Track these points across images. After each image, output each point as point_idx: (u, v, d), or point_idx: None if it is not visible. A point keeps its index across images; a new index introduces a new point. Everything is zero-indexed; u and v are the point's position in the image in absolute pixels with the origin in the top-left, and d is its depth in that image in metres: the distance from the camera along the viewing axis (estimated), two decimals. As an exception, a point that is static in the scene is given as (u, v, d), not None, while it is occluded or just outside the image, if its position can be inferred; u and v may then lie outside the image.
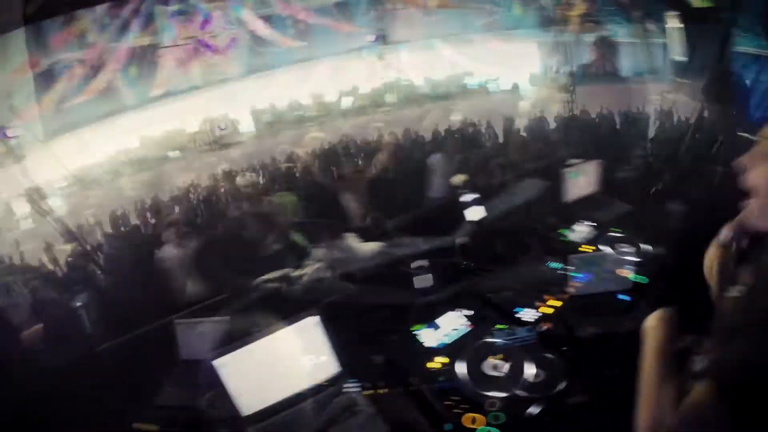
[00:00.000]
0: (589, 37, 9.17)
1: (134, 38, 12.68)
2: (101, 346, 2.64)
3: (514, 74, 12.87)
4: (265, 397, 1.88)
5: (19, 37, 11.19)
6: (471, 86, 12.38)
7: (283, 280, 2.59)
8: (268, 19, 15.33)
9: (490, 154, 5.87)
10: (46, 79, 12.60)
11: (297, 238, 5.04)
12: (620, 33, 8.98)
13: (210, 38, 13.02)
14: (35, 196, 10.14)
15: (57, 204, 9.92)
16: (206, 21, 12.84)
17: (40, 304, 4.00)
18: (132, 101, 15.00)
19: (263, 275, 2.63)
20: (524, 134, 6.80)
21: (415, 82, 13.53)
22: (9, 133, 11.00)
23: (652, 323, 1.15)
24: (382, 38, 14.96)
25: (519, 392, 1.68)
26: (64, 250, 5.53)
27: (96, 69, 12.47)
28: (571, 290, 2.18)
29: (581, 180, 3.19)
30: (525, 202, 3.08)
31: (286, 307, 2.35)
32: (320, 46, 16.45)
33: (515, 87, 12.24)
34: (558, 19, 12.22)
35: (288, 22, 15.51)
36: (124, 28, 12.40)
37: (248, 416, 1.85)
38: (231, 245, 2.80)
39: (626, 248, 2.47)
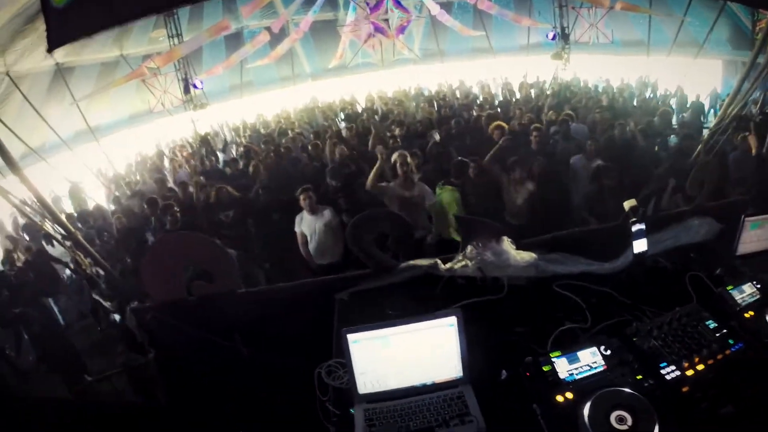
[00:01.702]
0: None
1: (316, 13, 13.66)
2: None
3: (695, 92, 11.47)
4: (383, 381, 1.91)
5: (216, 2, 12.79)
6: (648, 99, 11.25)
7: (431, 269, 2.56)
8: (450, 6, 15.46)
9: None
10: (233, 41, 14.25)
11: (451, 230, 5.07)
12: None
13: (381, 21, 13.46)
14: (210, 140, 11.62)
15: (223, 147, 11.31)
16: (378, 4, 13.26)
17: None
18: (309, 70, 16.37)
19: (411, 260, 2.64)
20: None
21: (592, 85, 12.66)
22: (198, 83, 12.85)
23: None
24: (563, 36, 14.20)
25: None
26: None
27: (279, 37, 13.71)
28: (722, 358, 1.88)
29: (761, 233, 2.71)
30: (692, 244, 2.70)
31: (429, 298, 2.37)
32: (497, 37, 16.17)
33: (696, 107, 10.86)
34: (755, 36, 10.41)
35: (469, 11, 15.48)
36: (309, 2, 13.35)
37: (363, 394, 1.90)
38: (386, 223, 2.87)
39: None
